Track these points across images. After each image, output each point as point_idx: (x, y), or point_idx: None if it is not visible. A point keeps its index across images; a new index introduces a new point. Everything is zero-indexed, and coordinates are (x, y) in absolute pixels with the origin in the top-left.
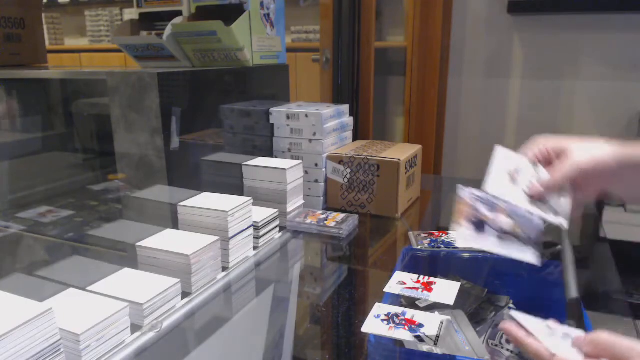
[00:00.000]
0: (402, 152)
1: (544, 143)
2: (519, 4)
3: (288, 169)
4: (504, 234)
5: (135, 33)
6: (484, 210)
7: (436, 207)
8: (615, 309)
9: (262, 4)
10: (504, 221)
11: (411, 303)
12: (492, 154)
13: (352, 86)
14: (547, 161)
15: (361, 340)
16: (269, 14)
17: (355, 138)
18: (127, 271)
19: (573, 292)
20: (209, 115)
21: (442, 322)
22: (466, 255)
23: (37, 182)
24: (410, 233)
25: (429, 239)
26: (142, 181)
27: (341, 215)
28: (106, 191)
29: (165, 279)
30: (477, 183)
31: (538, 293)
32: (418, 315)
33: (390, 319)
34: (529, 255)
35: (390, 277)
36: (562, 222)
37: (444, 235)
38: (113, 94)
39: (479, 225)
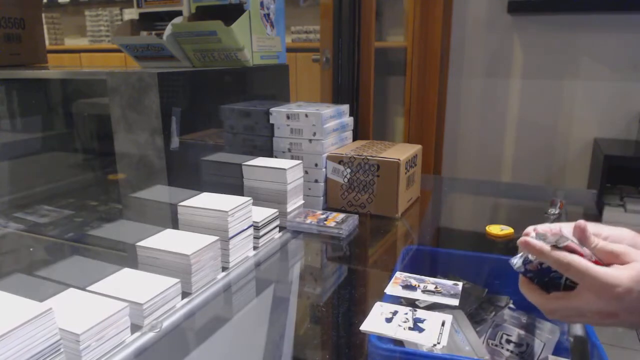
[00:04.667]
0: (402, 152)
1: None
2: (519, 4)
3: (288, 169)
4: (428, 291)
5: (135, 33)
6: (413, 281)
7: (436, 207)
8: None
9: (262, 4)
10: (429, 284)
11: (411, 303)
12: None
13: (352, 86)
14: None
15: (361, 340)
16: (269, 14)
17: (355, 138)
18: (127, 271)
19: None
20: (209, 115)
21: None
22: (466, 255)
23: (37, 182)
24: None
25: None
26: (142, 181)
27: (341, 215)
28: (106, 191)
29: (165, 279)
30: (477, 183)
31: None
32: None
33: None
34: (448, 300)
35: (390, 277)
36: None
37: None
38: (113, 94)
39: (409, 287)
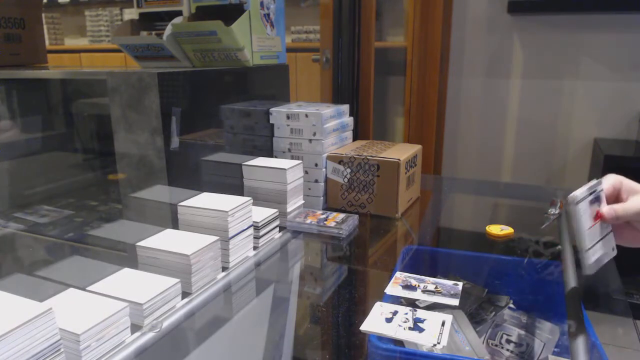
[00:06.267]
0: (402, 152)
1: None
2: (519, 4)
3: (288, 169)
4: (428, 291)
5: (135, 33)
6: (413, 281)
7: (436, 207)
8: (615, 309)
9: (262, 4)
10: (429, 285)
11: (411, 303)
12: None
13: (352, 86)
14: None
15: (361, 340)
16: (269, 14)
17: (355, 138)
18: (127, 271)
19: (572, 283)
20: (209, 115)
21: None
22: (466, 255)
23: (37, 182)
24: None
25: None
26: (142, 181)
27: (341, 215)
28: (106, 191)
29: (165, 279)
30: (477, 183)
31: (538, 293)
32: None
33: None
34: (447, 300)
35: (390, 277)
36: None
37: None
38: (113, 94)
39: (409, 287)
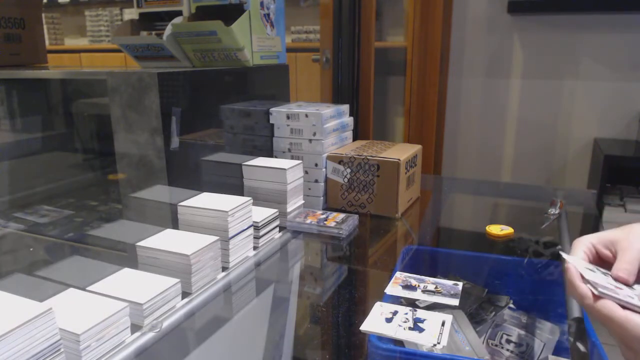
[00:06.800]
0: (402, 152)
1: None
2: (519, 4)
3: (288, 169)
4: (428, 291)
5: (135, 33)
6: (413, 280)
7: (436, 207)
8: None
9: (262, 4)
10: (429, 285)
11: (411, 303)
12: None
13: (352, 86)
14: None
15: (361, 340)
16: (269, 14)
17: (355, 138)
18: (127, 271)
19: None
20: (209, 115)
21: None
22: (466, 255)
23: (37, 182)
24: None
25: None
26: (142, 181)
27: (341, 215)
28: (106, 191)
29: (165, 279)
30: (477, 183)
31: (538, 293)
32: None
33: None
34: (447, 300)
35: (390, 277)
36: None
37: None
38: (113, 94)
39: (409, 287)
